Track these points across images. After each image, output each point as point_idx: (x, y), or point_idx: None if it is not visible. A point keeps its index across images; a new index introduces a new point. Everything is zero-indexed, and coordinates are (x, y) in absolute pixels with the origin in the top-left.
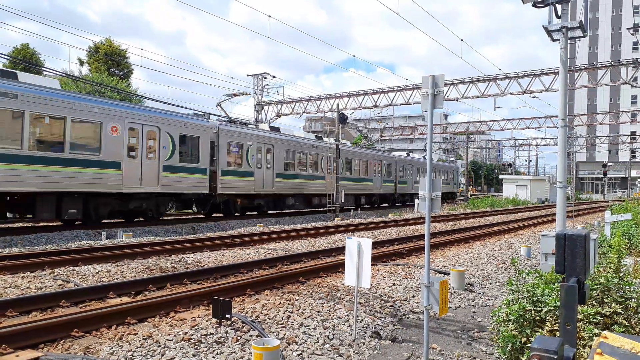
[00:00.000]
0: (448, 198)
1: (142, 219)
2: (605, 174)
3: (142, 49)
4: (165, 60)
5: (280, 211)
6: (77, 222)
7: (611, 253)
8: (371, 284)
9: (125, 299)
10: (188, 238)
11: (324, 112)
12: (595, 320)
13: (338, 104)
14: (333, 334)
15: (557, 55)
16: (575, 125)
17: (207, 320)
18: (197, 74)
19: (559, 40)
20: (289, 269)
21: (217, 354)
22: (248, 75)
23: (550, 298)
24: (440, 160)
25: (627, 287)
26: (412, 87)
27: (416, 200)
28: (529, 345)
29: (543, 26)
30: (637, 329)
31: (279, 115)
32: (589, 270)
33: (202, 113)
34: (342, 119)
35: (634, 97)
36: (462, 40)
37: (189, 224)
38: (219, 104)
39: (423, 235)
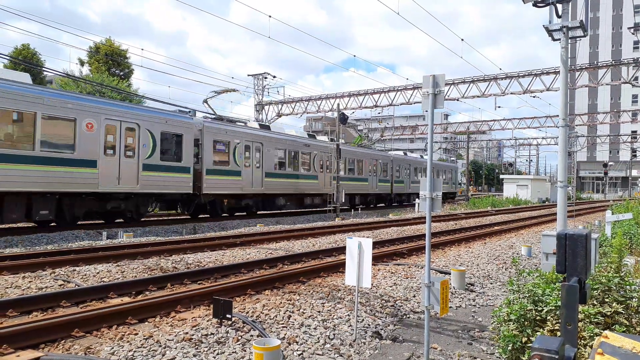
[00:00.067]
0: (447, 198)
1: (121, 220)
2: (606, 173)
3: (142, 49)
4: (166, 60)
5: (270, 212)
6: (52, 224)
7: (612, 253)
8: (372, 284)
9: (126, 299)
10: (189, 238)
11: (325, 112)
12: (596, 320)
13: (338, 104)
14: (334, 334)
15: (557, 55)
16: (576, 125)
17: (207, 320)
18: (198, 74)
19: (559, 39)
20: (289, 269)
21: (217, 354)
22: (248, 75)
23: (551, 298)
24: (441, 160)
25: (628, 286)
26: (412, 87)
27: (417, 200)
28: (530, 345)
29: (544, 26)
30: (638, 329)
31: (279, 115)
32: (590, 269)
33: (187, 110)
34: (343, 118)
35: (635, 96)
36: (462, 40)
37: (189, 224)
38: (205, 101)
39: (424, 235)
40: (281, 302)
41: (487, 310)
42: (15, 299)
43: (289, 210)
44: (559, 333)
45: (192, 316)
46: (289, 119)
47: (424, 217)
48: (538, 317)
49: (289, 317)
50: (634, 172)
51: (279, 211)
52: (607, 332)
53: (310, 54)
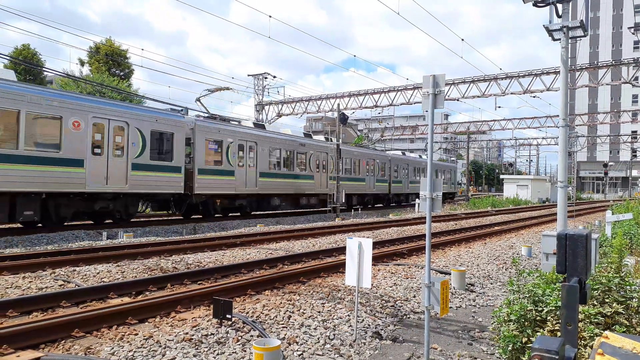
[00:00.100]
0: (446, 198)
1: (110, 221)
2: (606, 173)
3: (142, 49)
4: (166, 60)
5: (267, 212)
6: (38, 225)
7: (612, 253)
8: (372, 284)
9: (126, 299)
10: (189, 238)
11: (325, 112)
12: (596, 320)
13: (339, 104)
14: (334, 334)
15: (557, 55)
16: (576, 125)
17: (207, 321)
18: (198, 74)
19: (559, 39)
20: (289, 269)
21: (217, 354)
22: (248, 75)
23: (551, 298)
24: (441, 160)
25: (628, 287)
26: (412, 87)
27: (417, 200)
28: (530, 345)
29: (544, 26)
30: (639, 329)
31: (279, 115)
32: (590, 270)
33: (180, 109)
34: (343, 118)
35: (635, 96)
36: (462, 40)
37: (189, 224)
38: (198, 99)
39: (424, 235)
40: (281, 303)
41: (487, 311)
42: (16, 299)
43: (286, 211)
44: (559, 333)
45: (192, 316)
46: (289, 119)
47: (424, 218)
48: (538, 318)
49: (289, 317)
50: (634, 172)
51: (274, 212)
52: (607, 332)
53: (310, 54)
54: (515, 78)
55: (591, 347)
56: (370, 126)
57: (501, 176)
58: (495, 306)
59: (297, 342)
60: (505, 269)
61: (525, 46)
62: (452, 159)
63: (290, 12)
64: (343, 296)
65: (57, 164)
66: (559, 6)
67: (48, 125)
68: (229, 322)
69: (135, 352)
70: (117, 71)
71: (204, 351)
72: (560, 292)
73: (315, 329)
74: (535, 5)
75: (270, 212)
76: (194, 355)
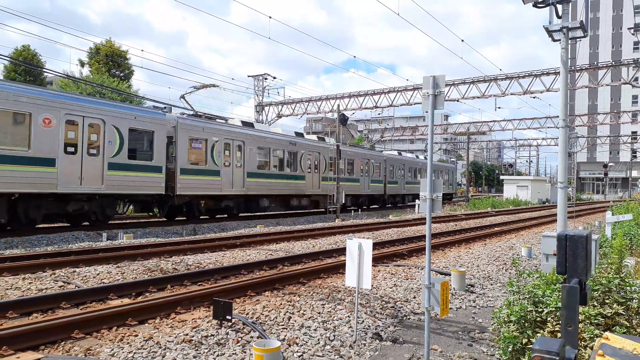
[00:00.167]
0: (444, 199)
1: (87, 223)
2: (606, 174)
3: (142, 50)
4: (166, 61)
5: (252, 214)
6: (7, 228)
7: (612, 254)
8: (372, 285)
9: (126, 301)
10: (189, 239)
11: (325, 113)
12: (596, 321)
13: (339, 105)
14: (334, 335)
15: (557, 56)
16: (576, 126)
17: (207, 322)
18: (198, 74)
19: (559, 40)
20: (289, 270)
21: (217, 356)
22: (248, 76)
23: (552, 299)
24: (441, 161)
25: (628, 287)
26: (412, 88)
27: (417, 201)
28: (530, 346)
29: (544, 26)
30: (639, 330)
31: (279, 116)
32: (590, 271)
33: (163, 106)
34: (343, 119)
35: (635, 97)
36: (462, 40)
37: (189, 225)
38: (182, 97)
39: (424, 236)
40: (281, 304)
41: (488, 312)
42: (16, 300)
43: (275, 212)
44: (559, 334)
45: (192, 317)
46: (289, 120)
47: (424, 218)
48: (538, 319)
49: (289, 318)
50: (634, 173)
51: (263, 213)
52: (607, 333)
53: (310, 54)
54: (515, 79)
55: (591, 348)
56: (370, 127)
57: (501, 177)
58: (495, 307)
59: (297, 343)
60: (506, 270)
61: (525, 46)
62: (452, 159)
63: (290, 13)
64: (343, 297)
65: (25, 163)
66: (559, 7)
67: (15, 122)
68: (229, 323)
69: (135, 353)
70: (117, 72)
71: (204, 352)
72: (560, 293)
73: (315, 330)
74: (535, 5)
75: (259, 213)
76: (194, 357)
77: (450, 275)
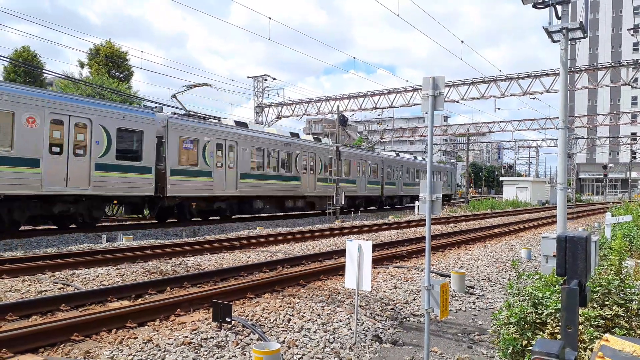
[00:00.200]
0: (443, 201)
1: (74, 226)
2: (605, 175)
3: (142, 51)
4: (166, 62)
5: (249, 216)
6: None
7: (612, 255)
8: (372, 287)
9: (126, 303)
10: (188, 241)
11: (325, 114)
12: (596, 322)
13: (338, 106)
14: (334, 337)
15: (557, 57)
16: (576, 127)
17: (207, 324)
18: (197, 75)
19: (559, 41)
20: (289, 272)
21: (217, 358)
22: (248, 78)
23: (551, 300)
24: (440, 162)
25: (628, 289)
26: (412, 89)
27: (417, 202)
28: (530, 348)
29: (543, 27)
30: (639, 332)
31: (279, 117)
32: (590, 272)
33: (154, 105)
34: (343, 120)
35: (635, 98)
36: (462, 41)
37: (189, 227)
38: (174, 96)
39: (423, 238)
40: (281, 306)
41: (487, 313)
42: (15, 302)
43: (269, 214)
44: (559, 336)
45: (191, 320)
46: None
47: (424, 220)
48: (538, 320)
49: (289, 320)
50: (634, 174)
51: (258, 215)
52: (607, 335)
53: (310, 55)
54: (514, 80)
55: (591, 350)
56: (370, 128)
57: (501, 178)
58: (495, 309)
59: (296, 346)
60: (505, 272)
61: (525, 47)
62: (451, 160)
63: (290, 14)
64: (343, 299)
65: (8, 163)
66: (559, 8)
67: None
68: (229, 326)
69: (134, 355)
70: (116, 73)
71: (203, 355)
72: (560, 295)
73: (315, 332)
74: (534, 6)
75: (259, 215)
76: (194, 359)
77: (450, 277)
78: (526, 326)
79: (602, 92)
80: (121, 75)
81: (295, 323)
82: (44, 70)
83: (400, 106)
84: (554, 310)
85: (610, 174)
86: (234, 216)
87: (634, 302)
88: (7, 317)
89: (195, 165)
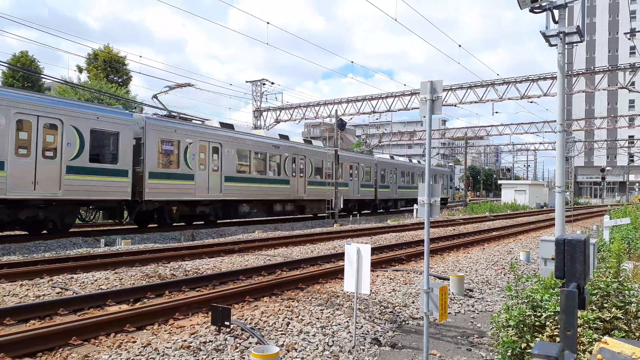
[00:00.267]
0: (440, 204)
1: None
2: (603, 178)
3: (140, 56)
4: (164, 67)
5: (231, 220)
6: None
7: (610, 257)
8: (370, 290)
9: (124, 307)
10: (187, 245)
11: (323, 118)
12: (595, 325)
13: (336, 110)
14: (332, 341)
15: (554, 60)
16: (574, 130)
17: (206, 328)
18: (196, 80)
19: (556, 45)
20: (288, 276)
21: None
22: (247, 82)
23: (550, 303)
24: (438, 165)
25: (626, 291)
26: (410, 93)
27: (415, 206)
28: (529, 350)
29: (541, 31)
30: (638, 334)
31: (277, 121)
32: (589, 275)
33: (134, 106)
34: (341, 124)
35: (632, 101)
36: (460, 46)
37: (187, 231)
38: (155, 96)
39: (422, 241)
40: (280, 309)
41: (486, 316)
42: (13, 307)
43: (257, 219)
44: (558, 339)
45: (190, 323)
46: (287, 125)
47: (422, 223)
48: (537, 323)
49: (288, 324)
50: (631, 177)
51: (242, 219)
52: (606, 337)
53: (308, 60)
54: (512, 83)
55: (590, 352)
56: (368, 132)
57: (499, 181)
58: (494, 312)
59: (295, 349)
60: (504, 274)
61: (523, 51)
62: (449, 164)
63: (289, 19)
64: (342, 302)
65: None
66: (556, 12)
67: None
68: (228, 329)
69: (133, 359)
70: (115, 78)
71: (202, 358)
72: (559, 298)
73: (314, 335)
74: (531, 11)
75: (249, 220)
76: None
77: (448, 280)
78: (525, 329)
79: (600, 96)
80: (119, 80)
81: (294, 326)
82: (42, 75)
83: (399, 110)
84: (552, 313)
85: (608, 176)
86: (218, 221)
87: (632, 304)
88: (6, 321)
89: (176, 168)
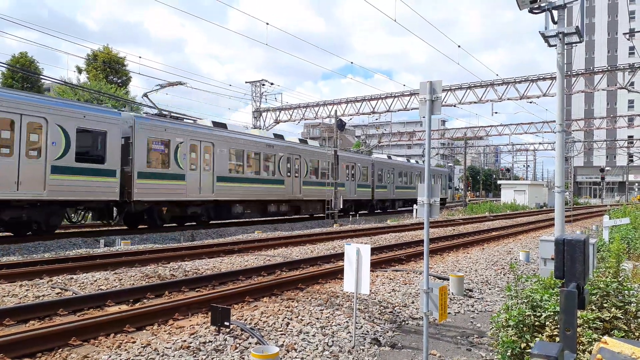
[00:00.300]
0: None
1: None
2: (603, 178)
3: (140, 57)
4: (164, 67)
5: (224, 221)
6: None
7: (610, 257)
8: (370, 290)
9: (124, 307)
10: (186, 245)
11: (322, 119)
12: (594, 325)
13: (336, 111)
14: (332, 341)
15: (554, 61)
16: (573, 130)
17: (205, 328)
18: (196, 81)
19: (555, 45)
20: (287, 276)
21: None
22: (246, 82)
23: (550, 303)
24: (438, 166)
25: (626, 291)
26: (409, 93)
27: (415, 206)
28: (529, 350)
29: (540, 32)
30: (637, 334)
31: (277, 122)
32: (588, 275)
33: (123, 105)
34: (340, 125)
35: (631, 101)
36: (459, 46)
37: (187, 231)
38: (145, 95)
39: (422, 241)
40: (279, 309)
41: (486, 316)
42: (12, 307)
43: (251, 219)
44: (558, 339)
45: (190, 324)
46: (287, 125)
47: (422, 223)
48: (537, 323)
49: (288, 324)
50: (631, 177)
51: (236, 220)
52: (606, 337)
53: (308, 61)
54: (511, 84)
55: (590, 352)
56: (368, 132)
57: (498, 181)
58: (493, 312)
59: (295, 349)
60: (504, 275)
61: (522, 52)
62: (449, 164)
63: (288, 20)
64: (341, 302)
65: None
66: (555, 12)
67: None
68: (227, 330)
69: (133, 359)
70: (114, 78)
71: (202, 359)
72: (558, 298)
73: (313, 335)
74: (530, 11)
75: (233, 220)
76: None
77: (448, 280)
78: (525, 329)
79: (599, 96)
80: (119, 81)
81: (294, 327)
82: (41, 76)
83: (398, 110)
84: (552, 313)
85: (607, 176)
86: (211, 222)
87: (632, 304)
88: (5, 322)
89: (166, 168)
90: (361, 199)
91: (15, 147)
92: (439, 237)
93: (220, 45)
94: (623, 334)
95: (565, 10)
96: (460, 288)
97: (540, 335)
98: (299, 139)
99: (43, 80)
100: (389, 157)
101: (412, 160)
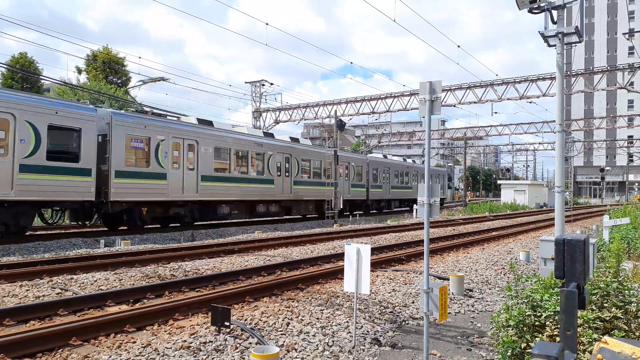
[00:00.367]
0: None
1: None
2: (602, 178)
3: (139, 57)
4: (163, 67)
5: (209, 222)
6: None
7: (610, 257)
8: (370, 290)
9: (124, 307)
10: (186, 245)
11: (322, 119)
12: (595, 325)
13: (336, 111)
14: (332, 341)
15: (554, 61)
16: (573, 130)
17: (206, 328)
18: (195, 81)
19: (555, 45)
20: (287, 276)
21: None
22: (246, 83)
23: (550, 303)
24: (438, 166)
25: (626, 291)
26: (409, 93)
27: (415, 206)
28: (529, 350)
29: (539, 32)
30: (638, 334)
31: (277, 122)
32: (589, 275)
33: (101, 102)
34: (340, 125)
35: (631, 101)
36: (459, 46)
37: (187, 232)
38: (126, 91)
39: (422, 241)
40: (280, 309)
41: (486, 316)
42: (13, 307)
43: (238, 220)
44: (558, 339)
45: (190, 324)
46: (287, 125)
47: (422, 223)
48: (537, 323)
49: (288, 324)
50: (631, 177)
51: (222, 221)
52: (606, 337)
53: (307, 61)
54: (511, 84)
55: (590, 352)
56: (368, 132)
57: (498, 181)
58: (494, 312)
59: (295, 349)
60: (504, 274)
61: (522, 52)
62: (449, 164)
63: (288, 20)
64: (342, 302)
65: None
66: (554, 12)
67: None
68: (228, 330)
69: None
70: (114, 79)
71: (202, 359)
72: (558, 297)
73: (314, 335)
74: (530, 11)
75: (219, 222)
76: None
77: (448, 280)
78: (525, 329)
79: (599, 96)
80: (119, 81)
81: (294, 327)
82: (41, 77)
83: (398, 110)
84: (552, 313)
85: (607, 176)
86: (195, 222)
87: (632, 304)
88: (5, 322)
89: (146, 167)
90: (355, 199)
91: None
92: (439, 237)
93: (220, 46)
94: (623, 334)
95: (565, 10)
96: (460, 288)
97: (540, 335)
98: (290, 137)
99: (43, 81)
100: (385, 157)
101: (410, 160)
